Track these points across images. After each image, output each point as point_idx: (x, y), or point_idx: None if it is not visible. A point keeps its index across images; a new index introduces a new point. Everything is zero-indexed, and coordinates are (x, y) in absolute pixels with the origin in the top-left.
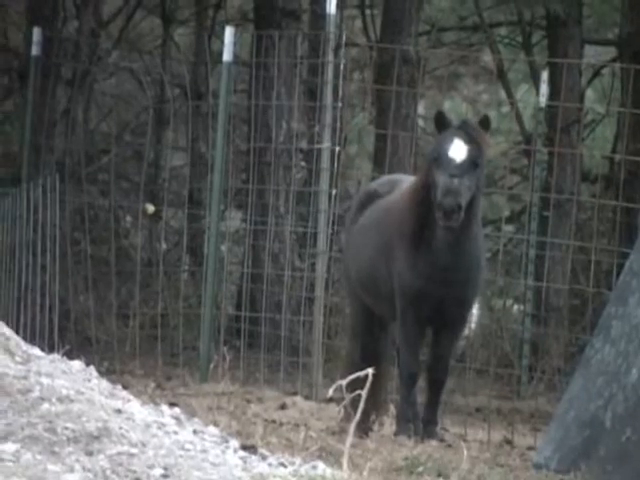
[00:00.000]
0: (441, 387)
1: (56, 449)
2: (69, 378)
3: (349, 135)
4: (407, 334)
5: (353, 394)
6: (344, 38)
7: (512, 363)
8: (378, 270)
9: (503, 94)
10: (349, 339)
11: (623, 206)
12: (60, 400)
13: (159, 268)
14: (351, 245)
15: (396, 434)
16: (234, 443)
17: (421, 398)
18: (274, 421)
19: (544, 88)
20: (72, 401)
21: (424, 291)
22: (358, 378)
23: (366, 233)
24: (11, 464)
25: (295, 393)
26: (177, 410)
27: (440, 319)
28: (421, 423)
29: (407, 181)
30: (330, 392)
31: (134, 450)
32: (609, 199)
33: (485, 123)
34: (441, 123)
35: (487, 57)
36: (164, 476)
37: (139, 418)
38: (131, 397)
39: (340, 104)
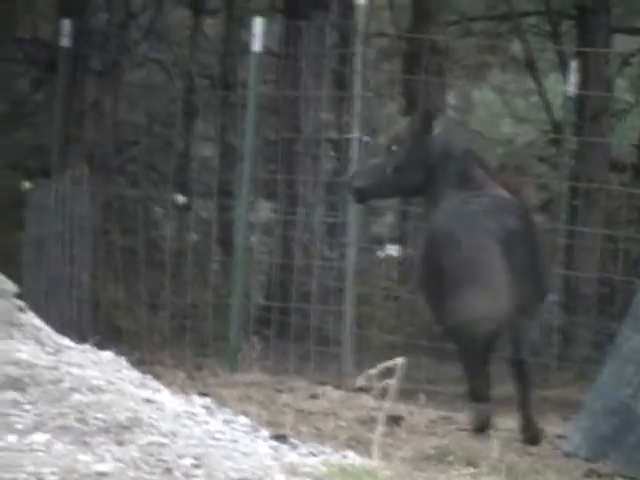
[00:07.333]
0: None
1: (87, 439)
2: (99, 368)
3: (378, 125)
4: None
5: (383, 383)
6: (373, 28)
7: (541, 352)
8: None
9: (531, 83)
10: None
11: None
12: (91, 390)
13: (189, 259)
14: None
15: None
16: (264, 432)
17: None
18: (304, 410)
19: (573, 77)
20: (103, 391)
21: None
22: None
23: None
24: (42, 454)
25: (325, 383)
26: (207, 400)
27: None
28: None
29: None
30: (359, 382)
31: (165, 440)
32: (638, 188)
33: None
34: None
35: (516, 46)
36: (195, 466)
37: (169, 408)
38: (161, 387)
39: (369, 94)
